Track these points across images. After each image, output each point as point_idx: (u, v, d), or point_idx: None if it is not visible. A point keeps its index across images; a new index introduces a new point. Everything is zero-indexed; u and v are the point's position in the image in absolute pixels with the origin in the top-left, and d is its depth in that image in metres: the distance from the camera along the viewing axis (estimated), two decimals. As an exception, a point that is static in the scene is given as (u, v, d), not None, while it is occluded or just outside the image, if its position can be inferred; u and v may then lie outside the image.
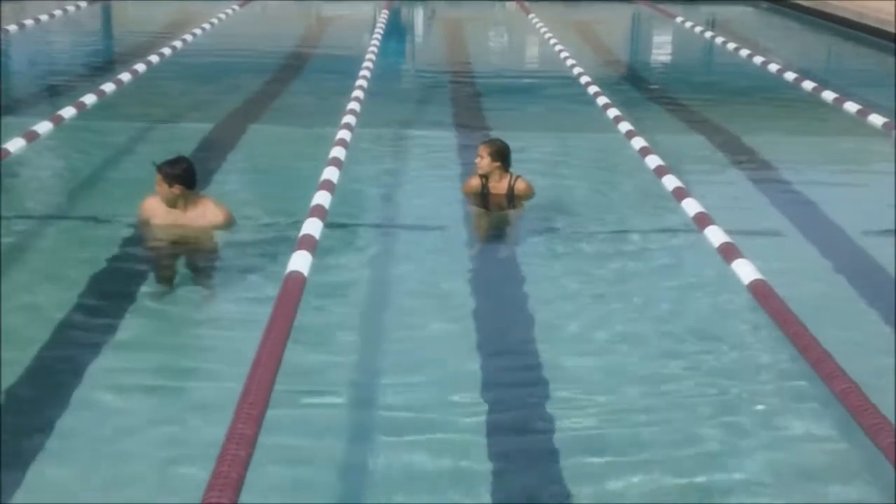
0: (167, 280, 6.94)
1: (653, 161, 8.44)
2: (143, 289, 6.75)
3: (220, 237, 7.36)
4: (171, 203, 7.20)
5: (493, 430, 5.11)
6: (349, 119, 9.48)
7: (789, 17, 21.57)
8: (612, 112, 10.20)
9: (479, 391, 5.49)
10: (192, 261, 7.22)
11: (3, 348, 5.67)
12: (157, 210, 7.29)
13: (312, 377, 5.50)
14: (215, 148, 9.95)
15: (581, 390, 5.54)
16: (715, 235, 6.53)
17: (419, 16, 22.45)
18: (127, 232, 7.63)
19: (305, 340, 5.50)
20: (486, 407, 5.31)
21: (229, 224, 7.39)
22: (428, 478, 4.67)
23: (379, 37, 14.89)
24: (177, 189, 7.13)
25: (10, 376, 5.46)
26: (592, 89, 11.47)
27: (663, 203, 8.09)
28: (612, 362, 5.90)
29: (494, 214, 8.19)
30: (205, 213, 7.28)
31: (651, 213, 8.35)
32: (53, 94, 12.65)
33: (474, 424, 5.13)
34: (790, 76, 12.87)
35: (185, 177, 7.15)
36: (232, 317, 6.40)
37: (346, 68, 12.86)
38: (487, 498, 4.57)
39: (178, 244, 7.28)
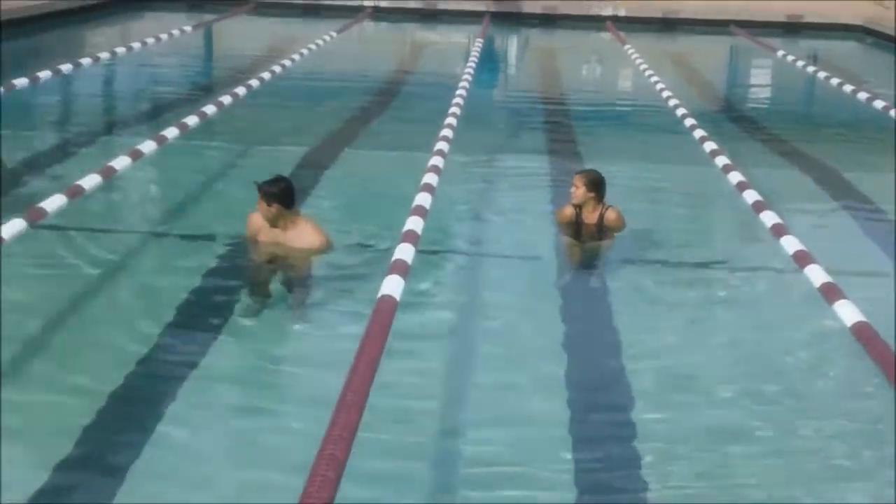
0: (262, 297, 7.08)
1: (750, 196, 8.23)
2: (238, 305, 6.90)
3: (316, 259, 7.48)
4: (272, 221, 7.35)
5: (579, 463, 5.09)
6: (442, 145, 9.54)
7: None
8: (709, 145, 10.10)
9: (566, 423, 5.48)
10: (288, 280, 7.35)
11: (103, 357, 5.85)
12: (260, 227, 7.46)
13: (400, 403, 5.52)
14: (311, 170, 10.09)
15: (668, 427, 5.50)
16: (815, 275, 6.26)
17: (513, 44, 22.56)
18: (224, 249, 7.83)
19: (395, 365, 5.55)
20: (571, 440, 5.30)
21: (327, 248, 7.51)
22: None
23: (473, 64, 14.96)
24: (274, 208, 7.27)
25: (109, 384, 5.61)
26: (688, 121, 11.38)
27: (760, 239, 7.96)
28: (702, 401, 5.83)
29: (586, 245, 8.19)
30: (303, 235, 7.41)
31: (747, 248, 8.27)
32: (158, 114, 12.94)
33: (559, 458, 5.10)
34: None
35: (283, 196, 7.29)
36: (322, 338, 6.50)
37: (439, 95, 12.95)
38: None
39: (276, 262, 7.42)
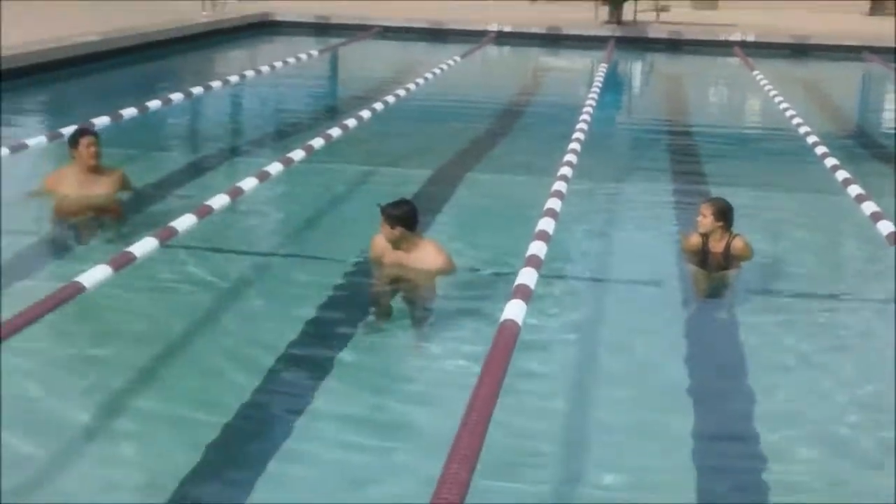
0: (385, 318, 7.13)
1: (885, 227, 7.99)
2: (361, 325, 6.96)
3: (439, 281, 7.50)
4: (395, 244, 7.40)
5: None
6: (566, 170, 9.48)
7: None
8: (841, 173, 9.82)
9: (690, 460, 5.37)
10: (411, 301, 7.39)
11: (229, 374, 5.96)
12: (384, 249, 7.52)
13: (518, 429, 5.47)
14: (434, 193, 10.13)
15: (795, 463, 5.37)
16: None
17: (638, 69, 22.40)
18: (348, 270, 7.92)
19: (516, 389, 5.51)
20: (695, 472, 5.19)
21: (449, 270, 7.53)
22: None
23: (597, 89, 14.88)
24: (398, 231, 7.32)
25: (234, 399, 5.70)
26: (820, 149, 11.11)
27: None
28: (830, 436, 5.66)
29: (713, 274, 8.04)
30: (426, 257, 7.44)
31: (879, 281, 8.01)
32: (284, 136, 13.15)
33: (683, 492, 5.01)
34: None
35: (407, 219, 7.34)
36: (444, 359, 6.50)
37: (563, 119, 12.91)
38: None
39: (399, 284, 7.47)
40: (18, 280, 7.50)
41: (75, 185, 8.95)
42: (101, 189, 9.02)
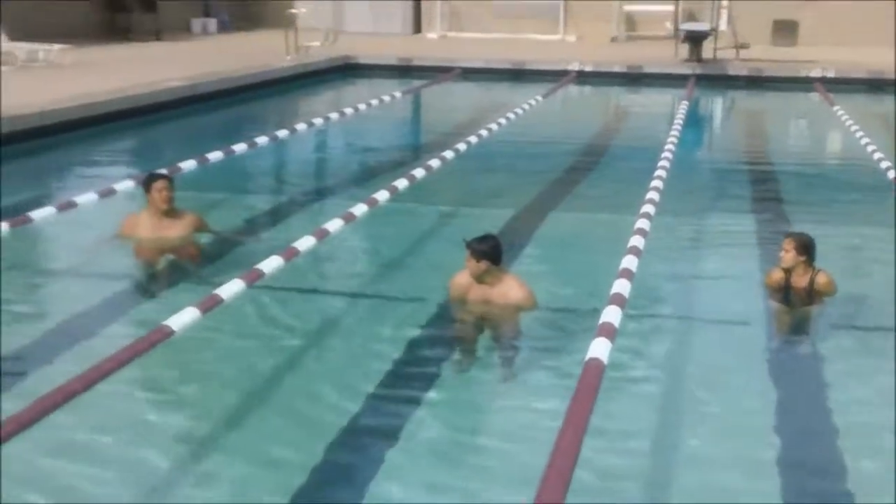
0: (471, 355, 7.25)
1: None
2: (448, 363, 7.07)
3: (523, 317, 7.59)
4: (479, 278, 7.52)
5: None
6: (648, 208, 9.52)
7: None
8: (923, 208, 9.78)
9: (777, 492, 5.38)
10: (496, 338, 7.50)
11: (317, 416, 6.08)
12: (466, 286, 7.66)
13: (603, 465, 5.52)
14: (518, 232, 10.22)
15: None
16: None
17: (719, 106, 22.31)
18: (432, 309, 8.01)
19: (600, 428, 5.56)
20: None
21: (532, 305, 7.64)
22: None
23: (679, 127, 14.88)
24: (483, 265, 7.46)
25: (322, 442, 5.81)
26: (902, 184, 11.04)
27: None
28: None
29: (796, 310, 8.01)
30: (510, 292, 7.58)
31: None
32: (368, 177, 13.34)
33: None
34: None
35: (493, 253, 7.49)
36: (529, 396, 6.58)
37: (645, 157, 12.94)
38: None
39: (485, 319, 7.59)
40: (100, 324, 7.71)
41: (150, 229, 9.17)
42: (176, 231, 9.22)
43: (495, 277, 7.57)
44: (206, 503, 5.28)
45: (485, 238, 7.57)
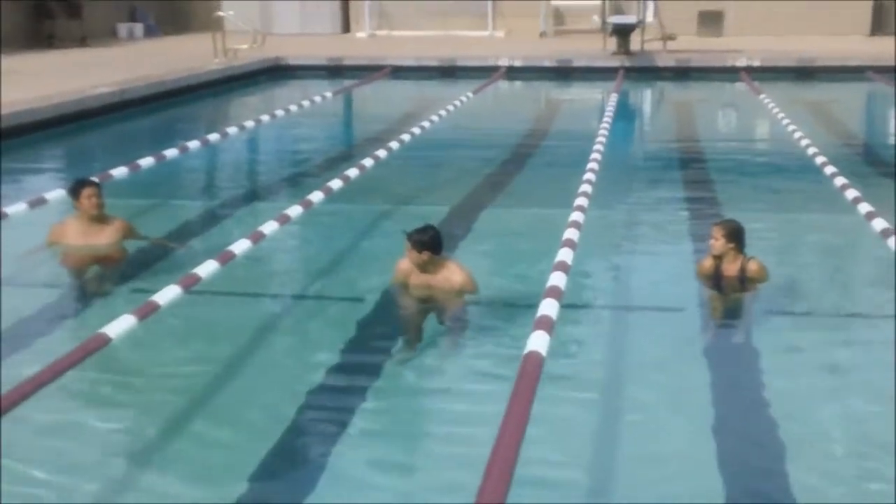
0: (416, 339, 7.38)
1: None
2: (395, 349, 7.20)
3: (465, 300, 7.77)
4: (422, 268, 7.64)
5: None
6: (582, 201, 9.63)
7: None
8: (851, 192, 9.97)
9: (712, 481, 5.46)
10: (441, 321, 7.63)
11: (256, 416, 6.09)
12: (408, 271, 7.82)
13: (542, 464, 5.55)
14: (453, 229, 10.26)
15: (819, 486, 5.44)
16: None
17: (648, 98, 22.56)
18: (374, 304, 8.07)
19: (539, 422, 5.60)
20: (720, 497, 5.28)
21: (474, 289, 7.81)
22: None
23: (609, 119, 15.04)
24: (425, 255, 7.58)
25: (264, 442, 5.81)
26: (828, 169, 11.25)
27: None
28: (851, 453, 5.76)
29: (728, 297, 8.14)
30: (452, 277, 7.76)
31: (893, 298, 8.11)
32: (302, 179, 13.33)
33: None
34: None
35: (433, 244, 7.64)
36: (473, 381, 6.70)
37: (577, 151, 13.06)
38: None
39: (429, 304, 7.74)
40: (35, 334, 7.63)
41: (79, 236, 9.08)
42: (104, 238, 9.12)
43: (437, 265, 7.72)
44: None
45: (424, 229, 7.71)
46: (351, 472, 5.60)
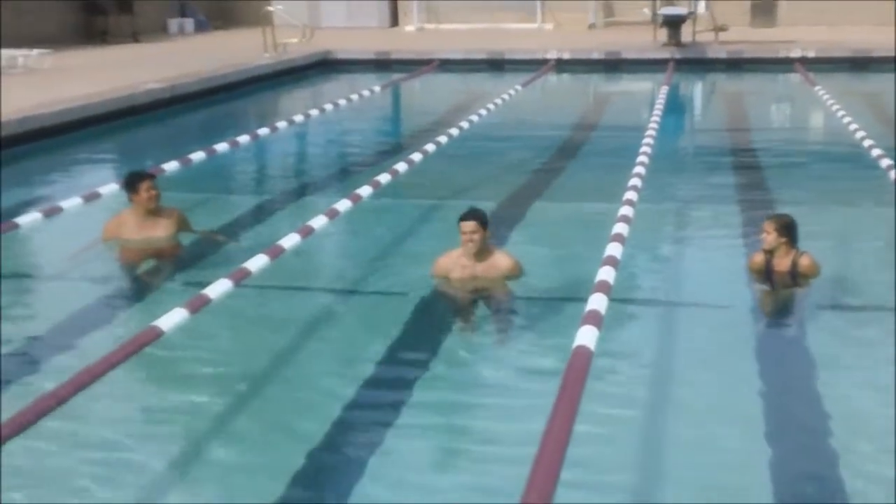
0: (468, 329, 7.49)
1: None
2: (441, 343, 7.27)
3: (512, 286, 7.84)
4: (476, 255, 7.79)
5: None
6: (631, 195, 9.55)
7: None
8: (907, 185, 9.83)
9: (766, 477, 5.40)
10: (489, 305, 7.72)
11: (306, 409, 6.11)
12: (450, 266, 7.88)
13: (589, 462, 5.49)
14: (500, 224, 10.24)
15: (872, 480, 5.36)
16: None
17: (699, 90, 22.36)
18: (416, 301, 8.04)
19: (587, 416, 5.56)
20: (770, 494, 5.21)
21: (520, 273, 7.92)
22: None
23: (659, 112, 14.91)
24: (487, 233, 7.79)
25: (321, 429, 5.85)
26: (885, 162, 11.07)
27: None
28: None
29: (779, 292, 8.05)
30: (497, 263, 7.86)
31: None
32: (351, 173, 13.36)
33: None
34: None
35: (486, 220, 7.82)
36: (518, 383, 6.64)
37: (627, 144, 12.97)
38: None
39: (476, 294, 7.80)
40: (90, 327, 7.73)
41: (136, 229, 9.15)
42: (161, 231, 9.19)
43: (486, 251, 7.83)
44: (201, 502, 5.30)
45: (473, 209, 7.85)
46: (396, 467, 5.60)
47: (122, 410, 6.27)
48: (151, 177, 9.28)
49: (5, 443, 4.69)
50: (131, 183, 9.18)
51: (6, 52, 20.22)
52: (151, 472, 5.57)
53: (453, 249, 7.96)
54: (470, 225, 7.72)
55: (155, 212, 9.17)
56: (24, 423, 4.93)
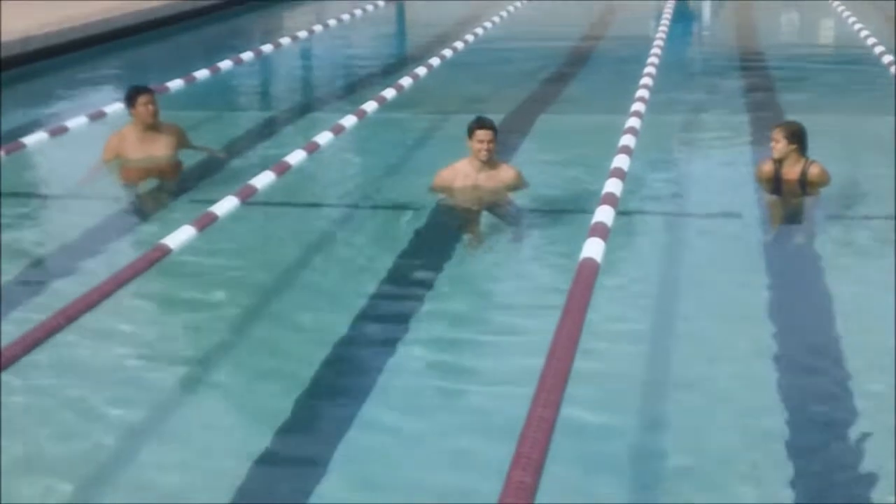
0: (478, 236, 7.57)
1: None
2: (458, 247, 7.33)
3: (518, 204, 7.85)
4: (486, 164, 7.83)
5: (793, 432, 5.01)
6: (639, 107, 9.48)
7: None
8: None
9: (773, 389, 5.38)
10: (498, 214, 7.77)
11: (310, 331, 6.16)
12: (453, 177, 7.91)
13: (597, 370, 5.46)
14: (508, 137, 10.16)
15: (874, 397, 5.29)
16: None
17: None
18: (424, 215, 8.03)
19: (596, 330, 5.51)
20: (777, 411, 5.16)
21: (522, 184, 7.96)
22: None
23: (667, 23, 14.73)
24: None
25: (316, 358, 5.82)
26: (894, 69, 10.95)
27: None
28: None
29: (788, 201, 8.00)
30: (499, 175, 7.91)
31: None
32: (356, 89, 13.27)
33: (763, 435, 4.98)
34: None
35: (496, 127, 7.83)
36: (524, 296, 6.64)
37: (634, 56, 12.85)
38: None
39: (481, 205, 7.83)
40: (97, 246, 7.70)
41: (136, 146, 9.05)
42: (161, 148, 9.10)
43: (491, 162, 7.86)
44: (211, 416, 5.32)
45: (482, 117, 7.87)
46: (403, 380, 5.61)
47: (132, 328, 6.27)
48: (149, 91, 9.18)
49: (14, 363, 4.70)
50: (130, 97, 9.10)
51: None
52: (160, 391, 5.58)
53: (455, 162, 7.93)
54: (487, 133, 7.73)
55: (154, 127, 9.08)
56: (34, 341, 4.93)
